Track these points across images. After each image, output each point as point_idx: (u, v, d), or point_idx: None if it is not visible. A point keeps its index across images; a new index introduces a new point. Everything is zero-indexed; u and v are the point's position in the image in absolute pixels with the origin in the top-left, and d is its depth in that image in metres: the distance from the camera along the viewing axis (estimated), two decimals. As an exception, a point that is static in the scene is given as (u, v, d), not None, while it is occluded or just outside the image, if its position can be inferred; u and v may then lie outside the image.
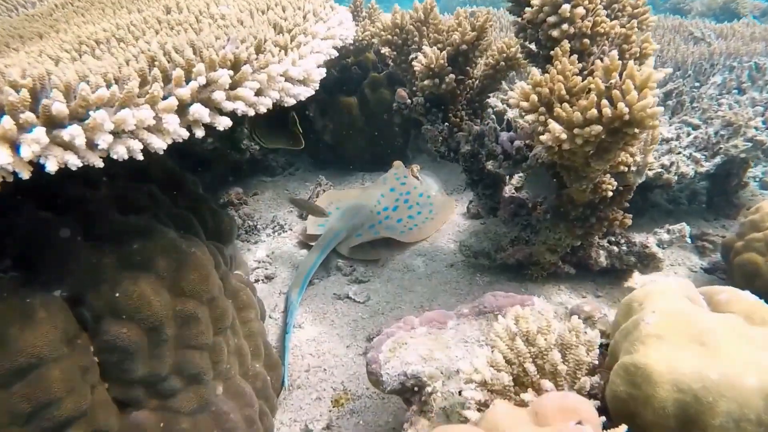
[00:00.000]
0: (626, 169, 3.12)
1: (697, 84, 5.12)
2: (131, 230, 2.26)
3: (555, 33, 2.90)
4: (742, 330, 1.79)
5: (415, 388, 2.36)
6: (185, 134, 1.88)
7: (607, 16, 3.00)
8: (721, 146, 4.19)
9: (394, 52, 4.24)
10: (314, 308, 3.92)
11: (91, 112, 1.63)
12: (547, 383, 1.87)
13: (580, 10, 2.83)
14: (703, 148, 4.26)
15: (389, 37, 4.18)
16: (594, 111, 2.49)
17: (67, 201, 2.28)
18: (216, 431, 2.40)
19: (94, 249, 2.16)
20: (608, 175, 3.21)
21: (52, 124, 1.59)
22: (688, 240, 3.79)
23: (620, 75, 2.54)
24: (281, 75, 2.24)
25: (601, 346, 2.04)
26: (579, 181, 3.05)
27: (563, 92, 2.66)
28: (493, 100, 4.68)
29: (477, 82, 4.06)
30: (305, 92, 2.39)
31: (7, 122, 1.48)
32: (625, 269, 3.77)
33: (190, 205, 2.83)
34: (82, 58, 2.08)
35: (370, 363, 2.50)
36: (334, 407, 3.07)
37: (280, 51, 2.31)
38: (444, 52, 3.78)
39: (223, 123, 2.00)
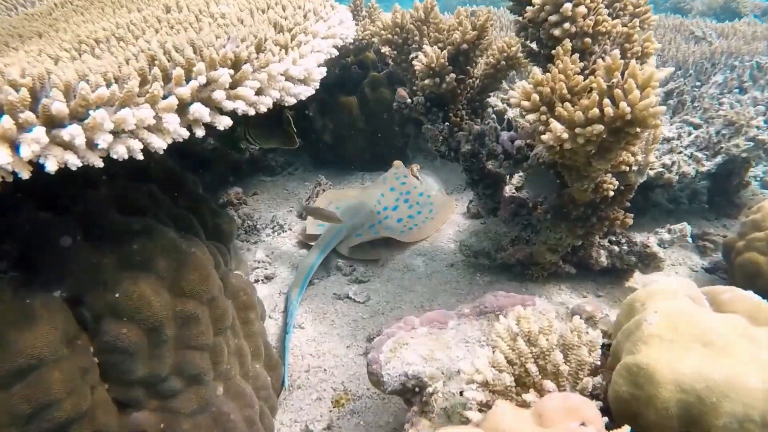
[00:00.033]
0: (628, 168, 3.11)
1: (698, 83, 5.12)
2: (131, 230, 2.25)
3: (556, 32, 2.89)
4: (746, 330, 1.78)
5: (416, 389, 2.35)
6: (185, 134, 1.87)
7: (609, 15, 2.99)
8: (723, 145, 4.18)
9: (395, 52, 4.23)
10: (314, 308, 3.91)
11: (90, 112, 1.62)
12: (549, 384, 1.86)
13: (582, 9, 2.82)
14: (704, 147, 4.25)
15: (389, 36, 4.17)
16: (596, 110, 2.48)
17: (67, 201, 2.27)
18: (216, 432, 2.39)
19: (94, 249, 2.15)
20: (609, 175, 3.20)
21: (52, 123, 1.58)
22: (689, 240, 3.78)
23: (622, 74, 2.53)
24: (282, 74, 2.23)
25: (602, 346, 2.03)
26: (580, 180, 3.04)
27: (565, 91, 2.65)
28: (494, 100, 4.68)
29: (477, 81, 4.05)
30: (306, 91, 2.39)
31: (7, 122, 1.47)
32: (626, 269, 3.76)
33: (190, 205, 2.82)
34: (82, 57, 2.07)
35: (371, 363, 2.49)
36: (334, 407, 3.06)
37: (280, 50, 2.30)
38: (445, 51, 3.77)
39: (224, 122, 1.99)
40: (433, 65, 3.76)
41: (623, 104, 2.40)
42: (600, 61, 2.67)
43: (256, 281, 4.22)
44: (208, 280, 2.41)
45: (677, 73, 5.30)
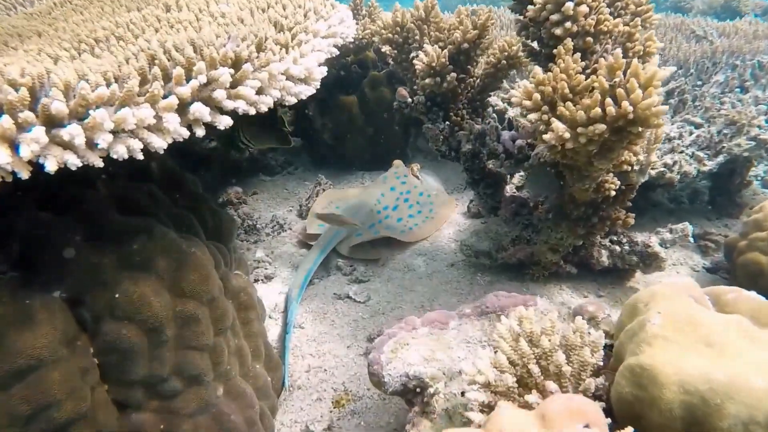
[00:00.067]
0: (629, 168, 3.10)
1: (699, 82, 5.12)
2: (131, 230, 2.24)
3: (558, 31, 2.88)
4: (749, 331, 1.77)
5: (417, 389, 2.35)
6: (186, 133, 1.86)
7: (610, 14, 2.98)
8: (724, 145, 4.18)
9: (395, 51, 4.22)
10: (314, 308, 3.90)
11: (90, 111, 1.61)
12: (551, 384, 1.85)
13: (584, 8, 2.81)
14: (705, 146, 4.24)
15: (390, 35, 4.16)
16: (598, 110, 2.47)
17: (66, 201, 2.26)
18: (217, 432, 2.38)
19: (94, 249, 2.14)
20: (611, 175, 3.19)
21: (52, 123, 1.57)
22: (691, 239, 3.77)
23: (624, 73, 2.52)
24: (282, 73, 2.21)
25: (605, 347, 2.02)
26: (582, 180, 3.03)
27: (566, 91, 2.64)
28: (494, 99, 4.67)
29: (478, 80, 4.04)
30: (306, 91, 2.37)
31: (6, 121, 1.46)
32: (628, 269, 3.75)
33: (190, 205, 2.81)
34: (82, 57, 2.06)
35: (372, 364, 2.49)
36: (334, 408, 3.05)
37: (281, 49, 2.29)
38: (445, 50, 3.76)
39: (224, 122, 1.98)
40: (433, 64, 3.75)
41: (625, 103, 2.39)
42: (602, 60, 2.66)
43: (256, 281, 4.21)
44: (209, 280, 2.40)
45: (678, 72, 5.29)
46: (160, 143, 1.77)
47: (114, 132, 1.67)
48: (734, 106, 4.42)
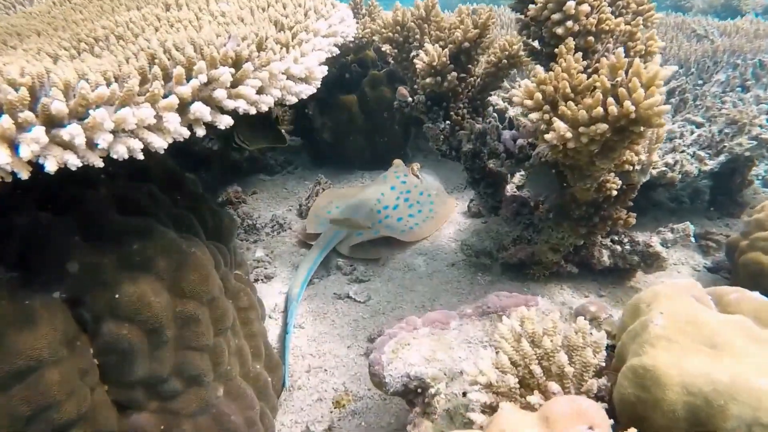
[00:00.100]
0: (631, 168, 3.10)
1: (700, 82, 5.10)
2: (131, 230, 2.23)
3: (559, 30, 2.88)
4: (752, 331, 1.76)
5: (419, 390, 2.34)
6: (186, 133, 1.85)
7: (612, 13, 2.97)
8: (726, 144, 4.17)
9: (395, 50, 4.21)
10: (314, 308, 3.89)
11: (90, 111, 1.60)
12: (554, 385, 1.84)
13: (585, 7, 2.80)
14: (707, 146, 4.24)
15: (390, 34, 4.15)
16: (600, 109, 2.46)
17: (66, 201, 2.25)
18: (217, 433, 2.37)
19: (94, 249, 2.13)
20: (612, 174, 3.18)
21: (52, 123, 1.56)
22: (693, 239, 3.76)
23: (626, 73, 2.51)
24: (283, 73, 2.20)
25: (607, 347, 2.01)
26: (583, 180, 3.02)
27: (568, 90, 2.63)
28: (494, 98, 4.66)
29: (479, 80, 4.03)
30: (307, 90, 2.36)
31: (6, 121, 1.44)
32: (629, 269, 3.75)
33: (190, 205, 2.80)
34: (81, 56, 2.05)
35: (373, 364, 2.48)
36: (335, 408, 3.04)
37: (281, 48, 2.28)
38: (446, 49, 3.75)
39: (225, 122, 1.97)
40: (434, 64, 3.74)
41: (627, 103, 2.39)
42: (603, 59, 2.65)
43: (256, 280, 4.20)
44: (209, 280, 2.39)
45: (679, 71, 5.27)
46: (160, 143, 1.76)
47: (114, 132, 1.66)
48: (735, 106, 4.41)
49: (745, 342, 1.70)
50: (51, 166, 1.52)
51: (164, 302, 2.19)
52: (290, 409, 3.06)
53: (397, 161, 5.22)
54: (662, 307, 1.88)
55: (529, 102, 2.73)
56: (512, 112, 4.43)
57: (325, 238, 4.35)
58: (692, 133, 4.31)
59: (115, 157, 1.67)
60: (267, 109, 2.12)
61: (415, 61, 3.88)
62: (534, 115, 2.71)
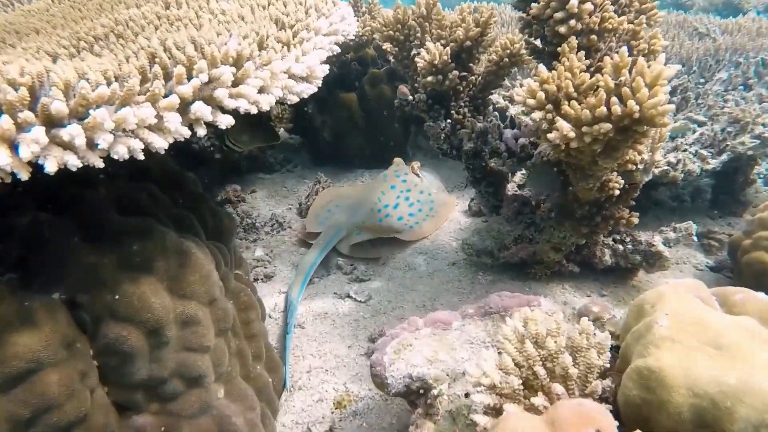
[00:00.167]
0: (634, 167, 3.08)
1: (702, 80, 5.09)
2: (131, 231, 2.21)
3: (562, 29, 2.86)
4: (758, 332, 1.75)
5: (421, 391, 2.33)
6: (187, 133, 1.83)
7: (615, 11, 2.95)
8: (728, 143, 4.16)
9: (396, 48, 4.20)
10: (315, 308, 3.87)
11: (91, 111, 1.58)
12: (558, 387, 1.83)
13: (588, 6, 2.79)
14: (709, 145, 4.22)
15: (391, 32, 4.13)
16: (603, 109, 2.45)
17: (66, 201, 2.23)
18: (218, 435, 2.36)
19: (94, 250, 2.11)
20: (615, 174, 3.17)
21: (51, 123, 1.54)
22: (695, 238, 3.75)
23: (629, 72, 2.49)
24: (284, 72, 2.19)
25: (610, 348, 2.00)
26: (585, 179, 3.01)
27: (571, 89, 2.61)
28: (495, 97, 4.65)
29: (480, 78, 4.01)
30: (308, 89, 2.34)
31: (6, 122, 1.43)
32: (631, 268, 3.73)
33: (190, 205, 2.78)
34: (81, 55, 2.03)
35: (375, 365, 2.46)
36: (336, 409, 3.03)
37: (282, 47, 2.26)
38: (447, 48, 3.73)
39: (225, 121, 1.95)
40: (435, 62, 3.72)
41: (631, 102, 2.37)
42: (607, 58, 2.63)
43: (256, 280, 4.19)
44: (209, 280, 2.38)
45: (681, 69, 5.26)
46: (161, 143, 1.75)
47: (114, 132, 1.64)
48: (738, 104, 4.40)
49: (751, 343, 1.68)
50: (51, 167, 1.50)
51: (165, 303, 2.17)
52: (291, 409, 3.05)
53: (398, 160, 5.20)
54: (667, 307, 1.87)
55: (531, 101, 2.71)
56: (513, 110, 4.42)
57: (325, 237, 4.34)
58: (694, 131, 4.30)
59: (115, 157, 1.65)
60: (268, 109, 2.10)
61: (416, 59, 3.87)
62: (536, 115, 2.69)
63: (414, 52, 4.05)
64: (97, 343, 2.07)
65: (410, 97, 4.19)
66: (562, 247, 3.59)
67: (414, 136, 6.35)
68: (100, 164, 1.62)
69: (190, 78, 1.87)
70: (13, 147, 1.46)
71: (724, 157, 4.17)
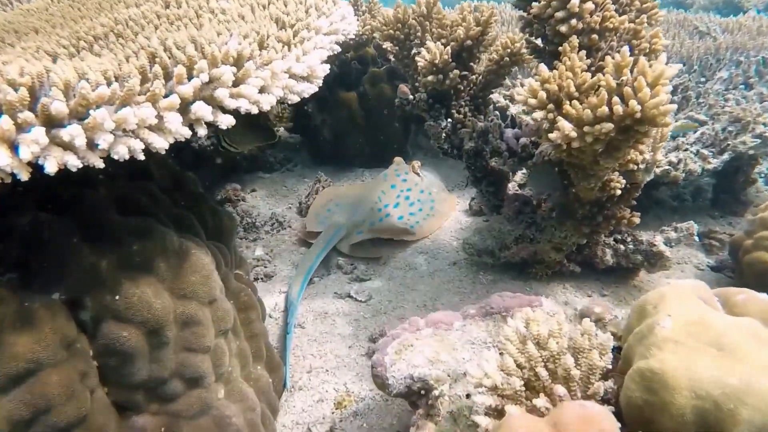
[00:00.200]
0: (635, 167, 3.08)
1: (702, 79, 5.08)
2: (131, 231, 2.20)
3: (563, 28, 2.86)
4: (761, 333, 1.74)
5: (422, 392, 2.32)
6: (188, 133, 1.82)
7: (616, 11, 2.94)
8: (729, 143, 4.15)
9: (396, 47, 4.19)
10: (315, 307, 3.87)
11: (91, 111, 1.57)
12: (560, 388, 1.82)
13: (589, 5, 2.78)
14: (710, 144, 4.22)
15: (391, 32, 4.12)
16: (605, 108, 2.44)
17: (66, 201, 2.22)
18: (218, 436, 2.35)
19: (94, 250, 2.10)
20: (617, 173, 3.16)
21: (51, 123, 1.53)
22: (696, 238, 3.74)
23: (631, 71, 2.49)
24: (285, 72, 2.18)
25: (612, 349, 1.99)
26: (587, 179, 3.00)
27: (572, 89, 2.61)
28: (495, 96, 4.64)
29: (480, 77, 4.01)
30: (309, 89, 2.33)
31: (6, 122, 1.42)
32: (632, 268, 3.73)
33: (190, 205, 2.77)
34: (80, 54, 2.03)
35: (376, 365, 2.46)
36: (336, 409, 3.02)
37: (283, 47, 2.25)
38: (448, 47, 3.72)
39: (226, 121, 1.94)
40: (436, 61, 3.72)
41: (633, 102, 2.36)
42: (608, 58, 2.62)
43: (256, 279, 4.18)
44: (209, 281, 2.37)
45: (681, 68, 5.25)
46: (161, 143, 1.74)
47: (115, 132, 1.63)
48: (739, 103, 4.40)
49: (754, 344, 1.68)
50: (51, 167, 1.49)
51: (165, 303, 2.17)
52: (291, 410, 3.04)
53: (398, 159, 5.20)
54: (669, 309, 1.86)
55: (533, 101, 2.70)
56: (514, 109, 4.41)
57: (325, 237, 4.33)
58: (695, 131, 4.29)
59: (115, 157, 1.64)
60: (269, 108, 2.09)
61: (416, 58, 3.86)
62: (538, 114, 2.68)
63: (414, 51, 4.04)
64: (97, 344, 2.06)
65: (411, 97, 4.18)
66: (563, 246, 3.59)
67: (414, 135, 6.34)
68: (100, 164, 1.61)
69: (190, 78, 1.86)
70: (13, 147, 1.45)
71: (725, 156, 4.16)
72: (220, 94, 1.90)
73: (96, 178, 2.37)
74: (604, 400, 1.85)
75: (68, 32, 2.33)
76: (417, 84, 4.07)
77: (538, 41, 3.29)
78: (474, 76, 3.99)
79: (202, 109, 1.84)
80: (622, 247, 3.64)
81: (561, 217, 3.49)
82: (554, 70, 2.70)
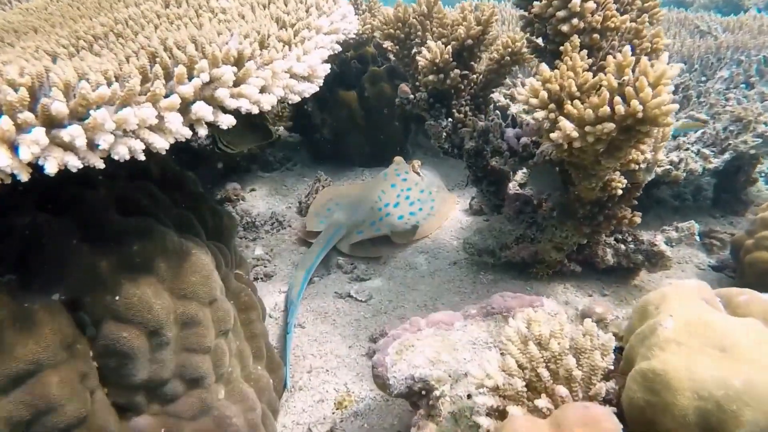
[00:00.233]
0: (636, 166, 3.07)
1: (703, 78, 5.07)
2: (131, 231, 2.19)
3: (564, 28, 2.85)
4: (763, 334, 1.73)
5: (423, 392, 2.32)
6: (188, 133, 1.82)
7: (617, 10, 2.94)
8: (730, 142, 4.14)
9: (396, 47, 4.18)
10: (315, 307, 3.86)
11: (91, 111, 1.56)
12: (561, 389, 1.81)
13: (591, 4, 2.77)
14: (711, 143, 4.21)
15: (391, 31, 4.11)
16: (606, 108, 2.43)
17: (66, 201, 2.22)
18: (218, 436, 2.35)
19: (94, 250, 2.09)
20: (618, 173, 3.15)
21: (52, 123, 1.52)
22: (697, 238, 3.74)
23: (632, 71, 2.48)
24: (286, 71, 2.17)
25: (614, 349, 1.99)
26: (588, 179, 3.00)
27: (574, 89, 2.60)
28: (496, 95, 4.63)
29: (481, 77, 4.00)
30: (310, 89, 2.33)
31: (6, 123, 1.41)
32: (633, 267, 3.72)
33: (191, 205, 2.77)
34: (80, 54, 2.01)
35: (377, 366, 2.45)
36: (337, 409, 3.01)
37: (284, 46, 2.24)
38: (449, 46, 3.71)
39: (227, 122, 1.93)
40: (437, 61, 3.71)
41: (635, 102, 2.36)
42: (610, 58, 2.62)
43: (256, 279, 4.18)
44: (210, 281, 2.36)
45: (682, 67, 5.24)
46: (162, 143, 1.73)
47: (115, 132, 1.62)
48: (740, 103, 4.39)
49: (757, 345, 1.67)
50: (51, 168, 1.49)
51: (165, 304, 2.16)
52: (292, 410, 3.03)
53: (398, 158, 5.19)
54: (671, 309, 1.86)
55: (534, 101, 2.70)
56: (514, 109, 4.40)
57: (325, 236, 4.32)
58: (696, 130, 4.29)
59: (116, 158, 1.64)
60: (270, 108, 2.09)
61: (417, 58, 3.85)
62: (539, 114, 2.68)
63: (415, 50, 4.03)
64: (97, 344, 2.05)
65: (411, 96, 4.17)
66: (564, 246, 3.58)
67: (414, 134, 6.33)
68: (100, 165, 1.60)
69: (191, 78, 1.86)
70: (13, 148, 1.44)
71: (726, 156, 4.16)
72: (221, 94, 1.89)
73: (96, 178, 2.36)
74: (605, 401, 1.85)
75: (68, 32, 2.32)
76: (417, 83, 4.06)
77: (539, 40, 3.29)
78: (475, 76, 3.99)
79: (202, 110, 1.83)
80: (623, 246, 3.63)
81: (562, 217, 3.49)
82: (555, 70, 2.69)
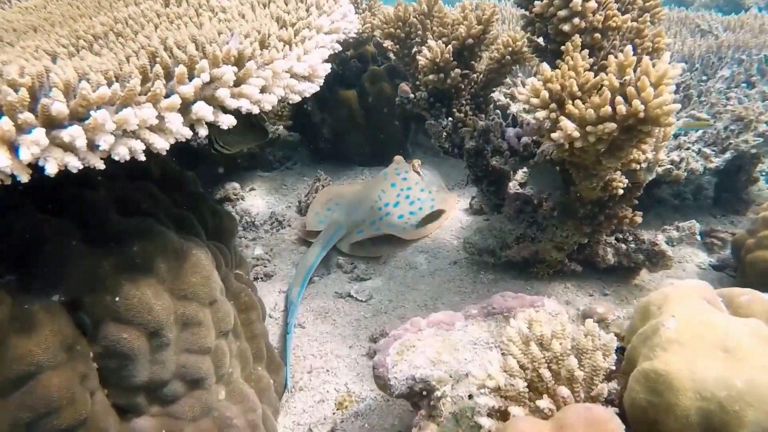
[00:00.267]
0: (637, 166, 3.06)
1: (704, 77, 5.06)
2: (131, 232, 2.19)
3: (566, 27, 2.84)
4: (766, 334, 1.73)
5: (424, 392, 2.31)
6: (188, 134, 1.81)
7: (618, 9, 2.93)
8: (731, 141, 4.14)
9: (397, 46, 4.17)
10: (315, 307, 3.85)
11: (91, 112, 1.56)
12: (563, 390, 1.81)
13: (592, 4, 2.77)
14: (712, 143, 4.21)
15: (392, 30, 4.10)
16: (608, 108, 2.43)
17: (66, 202, 2.21)
18: (219, 437, 2.34)
19: (94, 251, 2.09)
20: (619, 173, 3.15)
21: (52, 124, 1.52)
22: (698, 237, 3.73)
23: (634, 71, 2.47)
24: (286, 71, 2.16)
25: (615, 350, 1.98)
26: (589, 178, 2.99)
27: (575, 89, 2.59)
28: (496, 94, 4.62)
29: (481, 76, 3.99)
30: (310, 88, 2.32)
31: (6, 123, 1.40)
32: (634, 267, 3.72)
33: (191, 205, 2.76)
34: (80, 54, 2.01)
35: (377, 366, 2.44)
36: (337, 410, 3.01)
37: (284, 46, 2.23)
38: (449, 46, 3.71)
39: (227, 122, 1.93)
40: (437, 60, 3.70)
41: (636, 102, 2.35)
42: (611, 57, 2.61)
43: (255, 279, 4.17)
44: (210, 282, 2.36)
45: (684, 67, 5.23)
46: (162, 144, 1.72)
47: (115, 133, 1.62)
48: (741, 102, 4.38)
49: (759, 345, 1.67)
50: (51, 169, 1.48)
51: (165, 304, 2.16)
52: (292, 410, 3.03)
53: (398, 158, 5.18)
54: (673, 309, 1.86)
55: (535, 100, 2.69)
56: (514, 108, 4.40)
57: (325, 236, 4.32)
58: (697, 129, 4.28)
59: (116, 158, 1.63)
60: (270, 108, 2.08)
61: (417, 57, 3.84)
62: (540, 114, 2.67)
63: (415, 49, 4.02)
64: (97, 346, 2.05)
65: (411, 95, 4.16)
66: (565, 246, 3.58)
67: (414, 133, 6.32)
68: (101, 166, 1.60)
69: (191, 78, 1.85)
70: (13, 149, 1.44)
71: (727, 155, 4.15)
72: (222, 94, 1.88)
73: (96, 179, 2.35)
74: (607, 402, 1.84)
75: (67, 31, 2.31)
76: (418, 83, 4.05)
77: (540, 40, 3.28)
78: (475, 75, 3.98)
79: (203, 110, 1.83)
80: (623, 246, 3.63)
81: (562, 217, 3.48)
82: (557, 70, 2.69)
